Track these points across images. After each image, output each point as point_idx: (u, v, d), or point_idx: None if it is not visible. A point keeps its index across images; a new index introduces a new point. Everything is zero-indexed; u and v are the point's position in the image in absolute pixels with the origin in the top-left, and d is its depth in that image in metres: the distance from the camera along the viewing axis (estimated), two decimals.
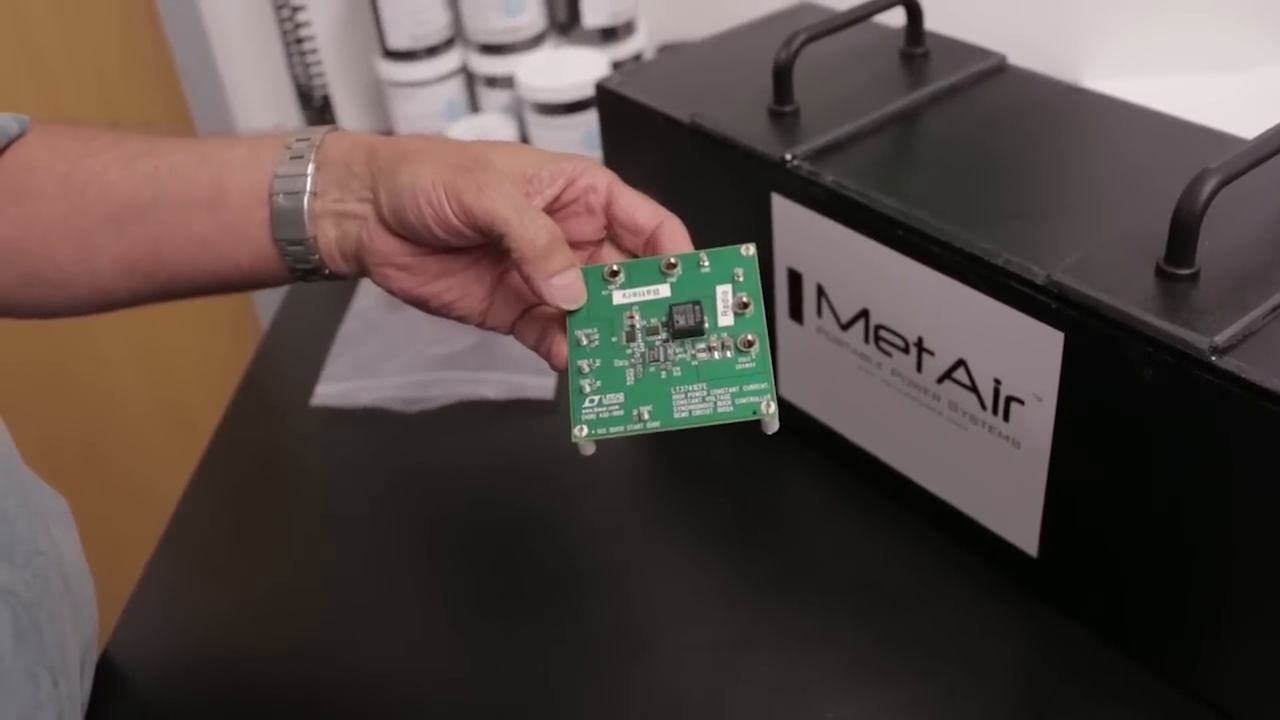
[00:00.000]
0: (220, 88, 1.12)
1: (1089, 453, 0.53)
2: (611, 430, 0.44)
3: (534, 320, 0.49)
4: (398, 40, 1.01)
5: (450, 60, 1.03)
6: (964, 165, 0.60)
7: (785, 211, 0.62)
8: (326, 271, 0.50)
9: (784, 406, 0.55)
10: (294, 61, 1.08)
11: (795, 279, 0.64)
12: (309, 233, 0.49)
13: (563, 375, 0.46)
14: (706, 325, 0.45)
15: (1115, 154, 0.61)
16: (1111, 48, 0.97)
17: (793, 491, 0.70)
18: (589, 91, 0.91)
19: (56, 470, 0.63)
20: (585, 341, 0.46)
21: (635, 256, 0.49)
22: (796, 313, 0.65)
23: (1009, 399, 0.55)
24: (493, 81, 1.02)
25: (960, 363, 0.57)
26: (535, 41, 1.02)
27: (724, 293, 0.45)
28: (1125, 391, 0.50)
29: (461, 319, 0.50)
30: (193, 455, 0.77)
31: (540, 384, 0.78)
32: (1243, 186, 0.48)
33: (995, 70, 0.68)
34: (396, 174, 0.46)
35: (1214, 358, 0.46)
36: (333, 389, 0.80)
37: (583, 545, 0.69)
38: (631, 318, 0.46)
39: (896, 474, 0.65)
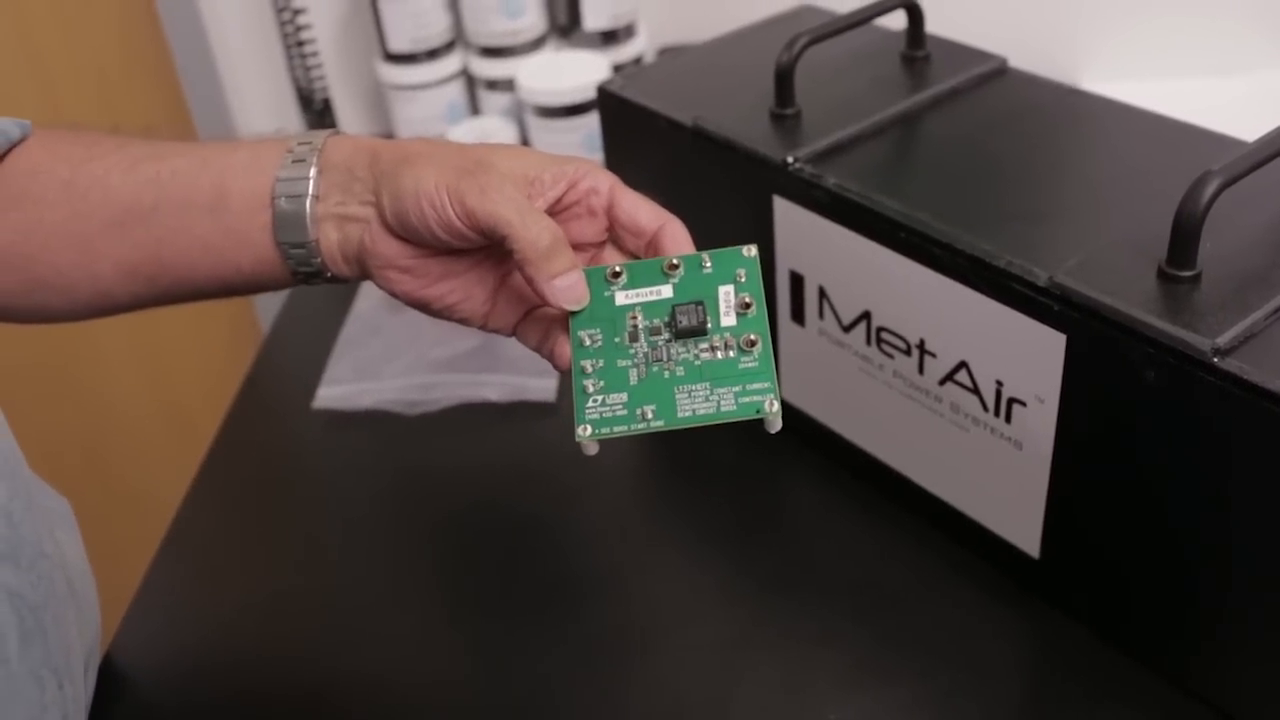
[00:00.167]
0: (220, 90, 1.12)
1: (1091, 454, 0.53)
2: (615, 430, 0.44)
3: (536, 322, 0.50)
4: (398, 43, 1.01)
5: (451, 63, 1.03)
6: (965, 168, 0.60)
7: (787, 214, 0.62)
8: (328, 274, 0.50)
9: (785, 408, 0.55)
10: (294, 64, 1.08)
11: (797, 281, 0.64)
12: (311, 236, 0.49)
13: (564, 377, 0.46)
14: (709, 325, 0.45)
15: (1116, 156, 0.61)
16: (1112, 51, 0.97)
17: (793, 492, 0.70)
18: (589, 94, 0.91)
19: (58, 473, 0.63)
20: (588, 342, 0.46)
21: (637, 258, 0.49)
22: (798, 315, 0.66)
23: (1011, 401, 0.55)
24: (493, 84, 1.02)
25: (962, 365, 0.57)
26: (536, 44, 1.02)
27: (726, 293, 0.45)
28: (1127, 393, 0.50)
29: (464, 321, 0.50)
30: (194, 458, 0.77)
31: (542, 386, 0.78)
32: (1244, 189, 0.48)
33: (996, 73, 0.68)
34: (399, 177, 0.46)
35: (1216, 359, 0.46)
36: (334, 391, 0.80)
37: (584, 546, 0.69)
38: (634, 318, 0.46)
39: (897, 475, 0.65)
